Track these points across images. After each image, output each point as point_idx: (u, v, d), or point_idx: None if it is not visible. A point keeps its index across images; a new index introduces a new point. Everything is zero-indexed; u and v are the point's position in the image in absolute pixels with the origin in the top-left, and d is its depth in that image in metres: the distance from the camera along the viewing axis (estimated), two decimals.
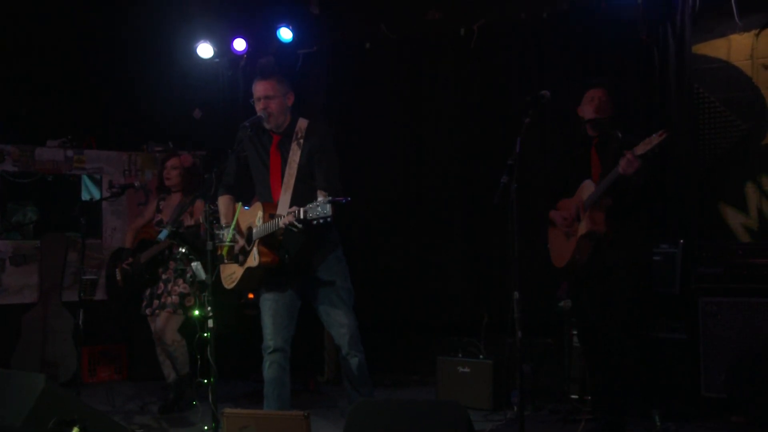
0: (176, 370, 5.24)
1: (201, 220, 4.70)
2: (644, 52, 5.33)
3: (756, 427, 4.31)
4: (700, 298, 4.65)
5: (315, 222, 3.41)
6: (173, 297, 5.15)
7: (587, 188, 4.17)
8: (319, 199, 3.41)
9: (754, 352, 4.42)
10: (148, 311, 5.24)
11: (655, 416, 4.24)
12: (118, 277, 5.47)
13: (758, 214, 5.12)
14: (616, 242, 4.13)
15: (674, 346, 4.69)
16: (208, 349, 3.67)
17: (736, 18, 5.10)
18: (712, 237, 4.99)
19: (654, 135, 3.82)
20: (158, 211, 5.39)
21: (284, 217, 3.62)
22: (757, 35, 5.13)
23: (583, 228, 4.12)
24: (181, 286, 5.15)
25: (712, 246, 4.74)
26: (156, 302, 5.20)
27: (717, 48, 5.29)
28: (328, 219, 3.38)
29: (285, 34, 6.52)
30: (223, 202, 4.17)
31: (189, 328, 5.06)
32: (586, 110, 4.27)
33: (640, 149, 3.83)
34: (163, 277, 5.24)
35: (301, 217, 3.46)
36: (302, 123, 4.02)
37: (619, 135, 4.19)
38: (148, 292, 5.28)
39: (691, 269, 4.76)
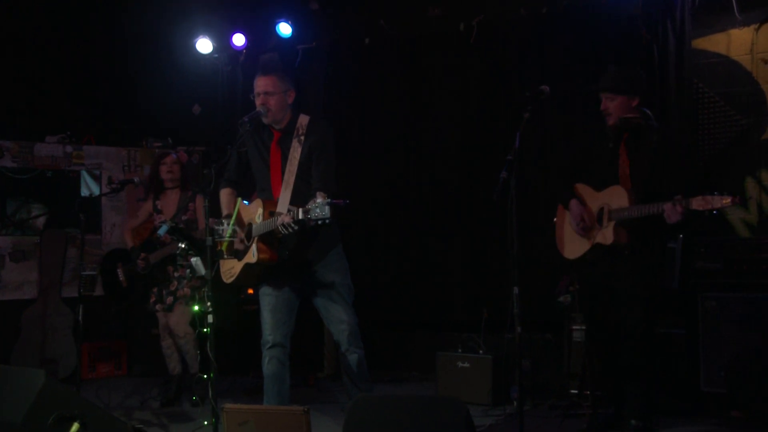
0: (187, 363, 5.34)
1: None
2: (644, 47, 5.32)
3: (756, 422, 4.30)
4: (699, 293, 4.64)
5: (313, 223, 3.41)
6: (185, 290, 5.27)
7: (618, 197, 4.00)
8: (318, 200, 3.38)
9: (753, 348, 4.42)
10: (158, 307, 5.32)
11: (631, 421, 4.06)
12: (121, 277, 5.50)
13: (758, 209, 5.11)
14: (634, 249, 4.03)
15: (674, 341, 4.69)
16: (208, 344, 3.68)
17: (736, 13, 5.10)
18: (711, 232, 4.98)
19: (718, 196, 3.54)
20: (157, 211, 5.42)
21: (282, 216, 3.61)
22: (757, 30, 5.13)
23: (607, 239, 4.01)
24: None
25: (712, 241, 4.73)
26: (170, 298, 5.29)
27: (717, 43, 5.29)
28: (327, 221, 3.37)
29: (284, 29, 6.51)
30: (224, 193, 4.18)
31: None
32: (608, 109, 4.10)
33: (697, 205, 3.61)
34: (176, 275, 5.32)
35: (300, 217, 3.44)
36: (303, 119, 4.00)
37: (654, 125, 4.06)
38: (156, 289, 5.35)
39: (690, 264, 4.75)
